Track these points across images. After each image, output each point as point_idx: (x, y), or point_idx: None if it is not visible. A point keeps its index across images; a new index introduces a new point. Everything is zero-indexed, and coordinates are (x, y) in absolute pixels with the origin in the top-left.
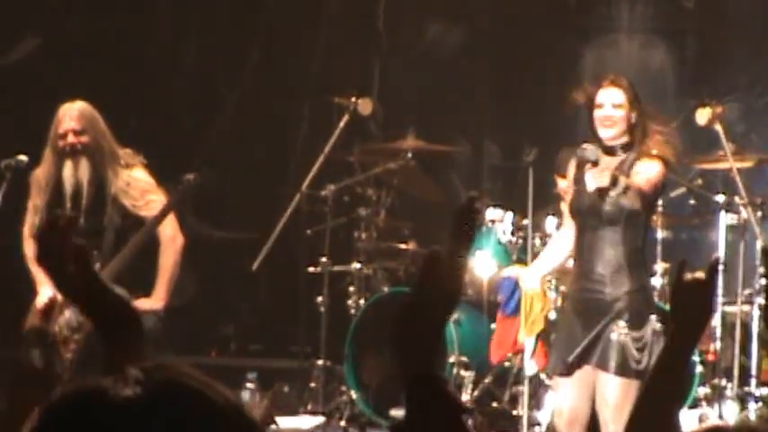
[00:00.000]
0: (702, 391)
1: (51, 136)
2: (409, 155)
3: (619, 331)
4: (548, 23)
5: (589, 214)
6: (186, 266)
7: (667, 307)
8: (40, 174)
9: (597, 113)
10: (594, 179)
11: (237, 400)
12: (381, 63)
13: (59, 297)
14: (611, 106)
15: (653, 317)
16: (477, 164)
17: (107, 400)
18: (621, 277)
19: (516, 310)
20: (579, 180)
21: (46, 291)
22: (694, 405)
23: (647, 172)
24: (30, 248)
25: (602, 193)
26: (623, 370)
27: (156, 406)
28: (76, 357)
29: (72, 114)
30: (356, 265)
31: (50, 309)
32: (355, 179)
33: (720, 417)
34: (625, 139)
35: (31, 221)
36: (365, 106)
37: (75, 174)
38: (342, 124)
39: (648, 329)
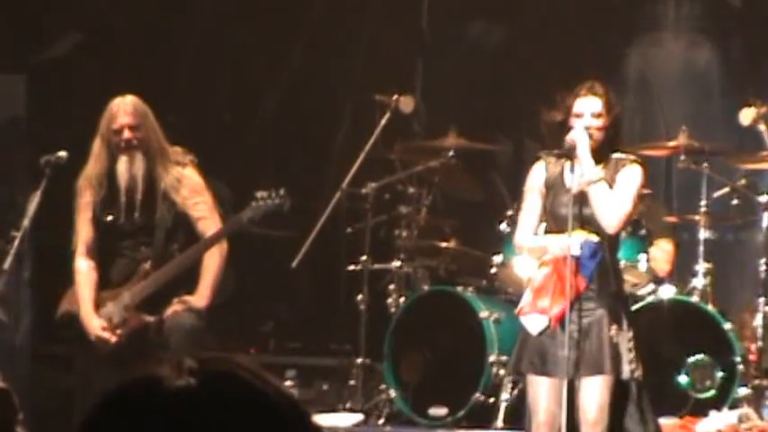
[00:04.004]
0: (743, 391)
1: (103, 131)
2: (451, 153)
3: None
4: (592, 22)
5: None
6: (226, 263)
7: (709, 308)
8: (91, 171)
9: (576, 123)
10: (578, 182)
11: (289, 392)
12: (424, 61)
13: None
14: (590, 115)
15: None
16: (519, 162)
17: (163, 389)
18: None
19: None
20: (554, 184)
21: (96, 322)
22: (734, 405)
23: (628, 181)
24: (82, 262)
25: (584, 195)
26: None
27: (210, 397)
28: (115, 352)
29: (126, 110)
30: (396, 264)
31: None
32: (396, 177)
33: (761, 417)
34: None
35: (83, 218)
36: (407, 104)
37: (129, 169)
38: (383, 122)
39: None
